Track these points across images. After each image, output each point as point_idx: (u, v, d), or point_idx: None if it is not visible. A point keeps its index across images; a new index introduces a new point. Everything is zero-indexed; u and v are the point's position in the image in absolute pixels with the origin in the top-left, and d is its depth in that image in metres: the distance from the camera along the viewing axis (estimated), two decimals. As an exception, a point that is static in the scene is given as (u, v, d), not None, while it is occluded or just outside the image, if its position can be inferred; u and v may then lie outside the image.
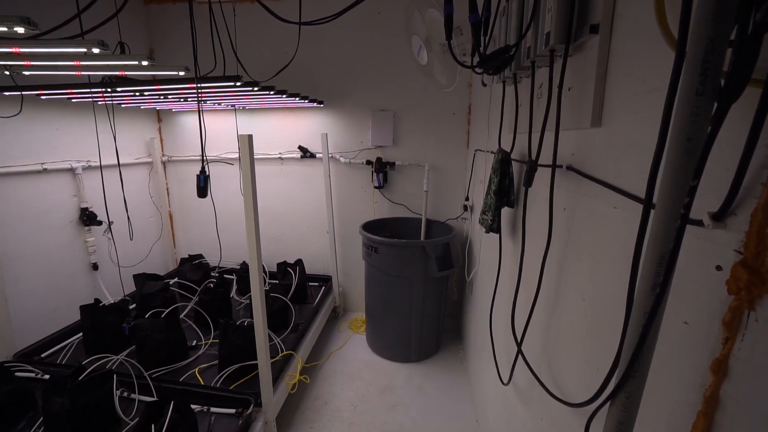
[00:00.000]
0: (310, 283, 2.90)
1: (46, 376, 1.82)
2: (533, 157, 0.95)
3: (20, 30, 0.82)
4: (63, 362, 1.99)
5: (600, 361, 0.71)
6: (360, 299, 3.03)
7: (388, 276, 2.30)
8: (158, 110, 3.08)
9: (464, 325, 2.61)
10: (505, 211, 1.40)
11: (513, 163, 1.27)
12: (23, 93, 1.75)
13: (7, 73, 1.38)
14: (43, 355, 2.05)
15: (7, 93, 1.76)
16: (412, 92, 2.62)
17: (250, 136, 1.35)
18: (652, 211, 0.46)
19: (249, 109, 2.85)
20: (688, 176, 0.36)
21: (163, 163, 3.14)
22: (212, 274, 2.97)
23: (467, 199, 2.36)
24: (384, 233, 2.35)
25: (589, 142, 0.79)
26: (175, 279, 2.79)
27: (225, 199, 3.00)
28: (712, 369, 0.41)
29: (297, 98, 2.12)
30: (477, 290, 2.13)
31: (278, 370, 1.91)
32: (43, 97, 2.05)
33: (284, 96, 1.96)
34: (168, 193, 3.23)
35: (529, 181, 0.98)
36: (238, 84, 1.48)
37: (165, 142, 3.15)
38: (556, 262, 0.94)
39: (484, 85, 1.81)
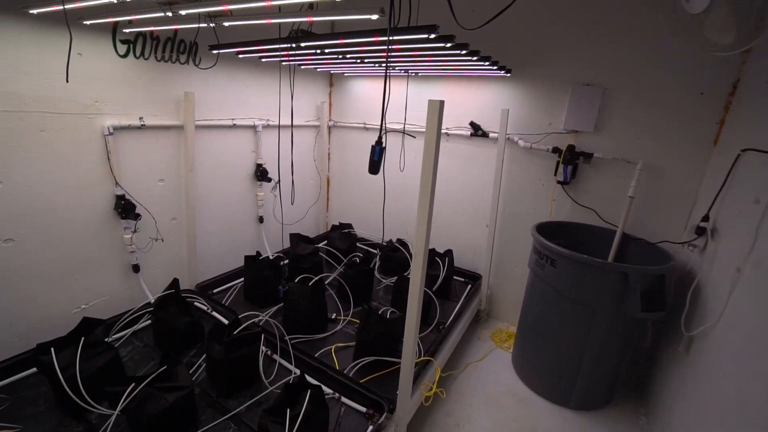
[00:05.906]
0: (456, 278, 2.59)
1: (215, 313, 1.98)
2: None
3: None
4: (227, 303, 2.16)
5: None
6: (510, 309, 2.59)
7: (561, 297, 1.81)
8: (331, 74, 3.09)
9: (655, 382, 1.94)
10: None
11: None
12: (220, 51, 1.82)
13: (212, 25, 1.38)
14: (213, 291, 2.28)
15: (214, 51, 1.85)
16: (634, 62, 1.91)
17: (441, 102, 1.05)
18: None
19: (421, 76, 2.59)
20: None
21: (329, 127, 3.18)
22: (357, 245, 2.94)
23: (706, 219, 1.64)
24: (558, 240, 1.84)
25: None
26: (324, 243, 2.83)
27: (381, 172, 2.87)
28: None
29: (487, 63, 1.73)
30: (711, 353, 1.47)
31: (415, 375, 1.67)
32: (240, 56, 2.15)
33: (474, 59, 1.59)
34: (329, 159, 3.30)
35: None
36: (432, 36, 1.18)
37: (333, 107, 3.18)
38: None
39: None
